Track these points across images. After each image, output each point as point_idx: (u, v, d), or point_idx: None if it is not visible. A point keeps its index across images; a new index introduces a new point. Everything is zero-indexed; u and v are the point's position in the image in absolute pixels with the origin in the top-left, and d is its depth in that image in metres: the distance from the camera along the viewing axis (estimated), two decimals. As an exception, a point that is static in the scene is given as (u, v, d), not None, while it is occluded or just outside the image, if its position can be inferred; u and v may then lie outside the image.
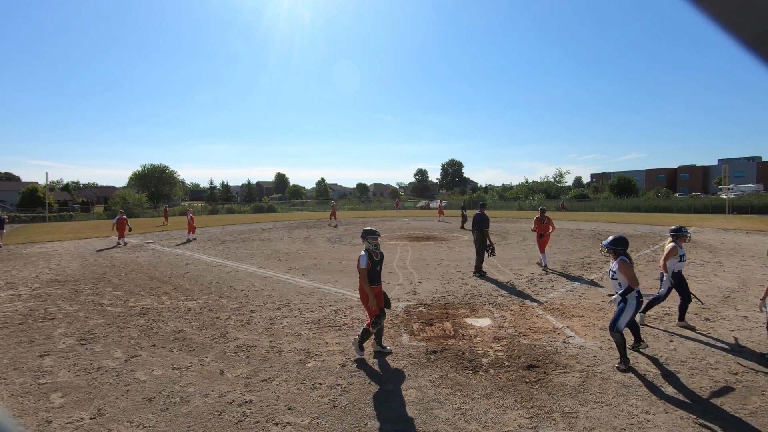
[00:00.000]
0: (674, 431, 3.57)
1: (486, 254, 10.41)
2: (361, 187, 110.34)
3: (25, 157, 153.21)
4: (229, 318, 7.03)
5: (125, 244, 17.81)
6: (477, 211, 10.74)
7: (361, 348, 5.28)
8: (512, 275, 10.26)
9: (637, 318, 5.79)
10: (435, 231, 22.20)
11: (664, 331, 6.10)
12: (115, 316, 7.18)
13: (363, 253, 5.25)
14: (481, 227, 10.44)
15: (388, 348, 5.49)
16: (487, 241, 10.37)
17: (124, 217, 18.69)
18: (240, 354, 5.43)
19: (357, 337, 5.32)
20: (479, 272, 10.36)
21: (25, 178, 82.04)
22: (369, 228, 5.52)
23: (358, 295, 5.57)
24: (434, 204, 57.34)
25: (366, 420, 3.84)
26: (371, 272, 5.23)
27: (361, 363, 5.10)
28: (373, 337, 5.39)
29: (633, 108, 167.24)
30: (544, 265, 11.17)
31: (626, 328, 4.94)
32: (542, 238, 11.19)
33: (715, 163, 77.52)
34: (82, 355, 5.45)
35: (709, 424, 3.66)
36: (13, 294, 8.89)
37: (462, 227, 23.22)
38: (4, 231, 17.50)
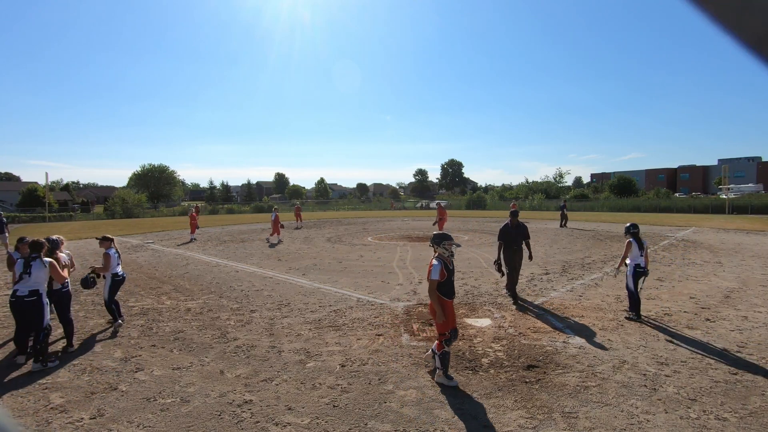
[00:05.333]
0: (674, 431, 3.58)
1: (499, 271, 7.92)
2: (361, 187, 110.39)
3: (25, 157, 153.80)
4: (229, 318, 7.03)
5: (193, 240, 18.83)
6: (507, 221, 8.16)
7: (448, 376, 4.51)
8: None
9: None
10: (435, 231, 22.16)
11: (665, 331, 6.10)
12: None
13: (436, 262, 4.50)
14: (525, 239, 7.96)
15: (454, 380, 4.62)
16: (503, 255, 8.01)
17: (194, 213, 19.99)
18: (240, 354, 5.43)
19: (438, 368, 4.54)
20: (514, 291, 7.96)
21: (25, 178, 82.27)
22: (442, 232, 4.81)
23: (428, 309, 4.83)
24: (434, 204, 57.33)
25: (366, 420, 3.84)
26: (446, 284, 4.49)
27: (361, 363, 5.09)
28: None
29: (633, 108, 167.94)
30: None
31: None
32: (441, 221, 17.67)
33: (715, 163, 77.60)
34: (82, 355, 5.45)
35: (709, 424, 3.66)
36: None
37: (562, 226, 23.25)
38: (7, 235, 15.61)
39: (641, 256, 6.65)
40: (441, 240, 4.64)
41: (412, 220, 31.61)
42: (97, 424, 3.81)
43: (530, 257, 8.02)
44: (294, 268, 11.57)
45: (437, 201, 20.38)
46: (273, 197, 79.89)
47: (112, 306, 6.51)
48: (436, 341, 4.58)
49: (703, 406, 3.96)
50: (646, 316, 6.74)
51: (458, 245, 4.86)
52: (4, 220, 15.81)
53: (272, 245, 16.92)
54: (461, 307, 7.41)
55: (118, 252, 6.60)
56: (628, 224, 6.90)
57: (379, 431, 3.67)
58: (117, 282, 6.51)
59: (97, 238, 6.74)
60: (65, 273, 5.50)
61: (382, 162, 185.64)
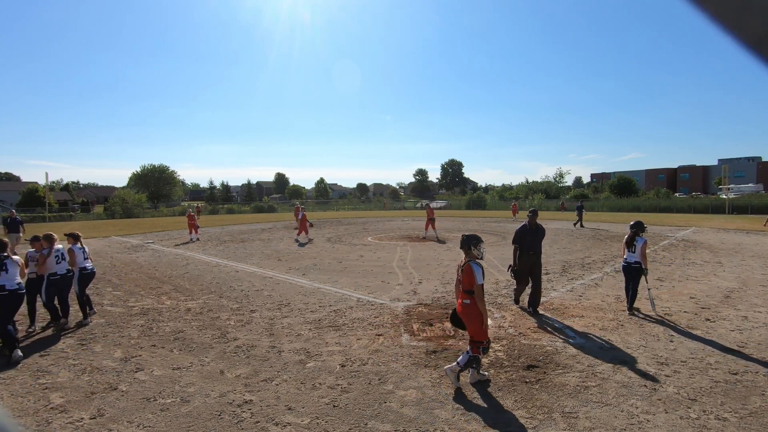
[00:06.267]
0: (674, 431, 3.58)
1: (515, 278, 7.40)
2: (361, 187, 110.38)
3: (25, 157, 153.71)
4: (229, 318, 7.03)
5: (196, 240, 18.86)
6: (525, 222, 7.39)
7: (457, 376, 4.43)
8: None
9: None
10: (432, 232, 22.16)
11: (665, 331, 6.10)
12: (115, 316, 7.18)
13: (475, 265, 4.29)
14: (540, 242, 7.35)
15: (486, 374, 4.69)
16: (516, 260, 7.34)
17: (192, 213, 19.98)
18: (240, 354, 5.43)
19: (456, 365, 4.41)
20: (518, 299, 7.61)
21: (25, 178, 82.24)
22: (474, 234, 4.55)
23: (461, 317, 4.45)
24: (433, 204, 57.38)
25: (366, 420, 3.84)
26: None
27: (361, 363, 5.09)
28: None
29: (633, 108, 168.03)
30: (431, 235, 18.61)
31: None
32: (432, 220, 18.65)
33: (715, 163, 77.64)
34: (82, 355, 5.45)
35: (709, 424, 3.66)
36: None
37: (577, 225, 23.25)
38: (21, 235, 15.11)
39: (628, 251, 7.05)
40: (477, 242, 4.46)
41: (412, 220, 31.60)
42: (97, 424, 3.81)
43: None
44: (294, 268, 11.57)
45: (425, 201, 22.65)
46: (273, 197, 79.90)
47: (84, 299, 6.96)
48: (472, 345, 4.37)
49: (703, 406, 3.96)
50: (645, 317, 6.74)
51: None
52: (19, 219, 15.97)
53: (301, 245, 16.94)
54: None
55: (83, 248, 7.09)
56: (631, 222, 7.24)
57: (379, 431, 3.67)
58: (84, 275, 6.97)
59: (66, 234, 7.13)
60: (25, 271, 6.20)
61: (382, 162, 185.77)
